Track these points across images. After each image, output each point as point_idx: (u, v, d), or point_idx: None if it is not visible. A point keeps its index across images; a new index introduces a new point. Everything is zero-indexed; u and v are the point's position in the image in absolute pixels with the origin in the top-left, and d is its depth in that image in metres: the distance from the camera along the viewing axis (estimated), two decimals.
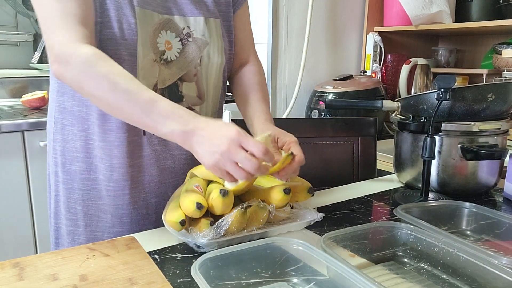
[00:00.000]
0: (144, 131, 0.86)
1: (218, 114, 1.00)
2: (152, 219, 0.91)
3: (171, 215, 0.73)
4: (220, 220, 0.71)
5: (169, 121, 0.70)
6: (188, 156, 0.91)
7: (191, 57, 0.89)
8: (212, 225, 0.72)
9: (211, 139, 0.68)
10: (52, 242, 0.96)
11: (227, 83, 1.04)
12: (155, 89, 0.85)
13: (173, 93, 0.88)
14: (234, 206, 0.74)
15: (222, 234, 0.71)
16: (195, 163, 0.89)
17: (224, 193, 0.71)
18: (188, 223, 0.73)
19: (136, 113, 0.72)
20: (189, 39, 0.88)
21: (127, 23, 0.80)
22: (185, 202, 0.73)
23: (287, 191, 0.77)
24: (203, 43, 0.90)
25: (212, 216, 0.75)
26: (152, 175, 0.89)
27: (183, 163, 0.92)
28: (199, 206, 0.71)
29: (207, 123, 0.71)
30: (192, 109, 0.91)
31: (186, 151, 0.90)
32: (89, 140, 0.86)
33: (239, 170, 0.68)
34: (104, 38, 0.80)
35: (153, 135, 0.87)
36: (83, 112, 0.86)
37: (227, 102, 1.05)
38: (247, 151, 0.68)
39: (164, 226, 0.77)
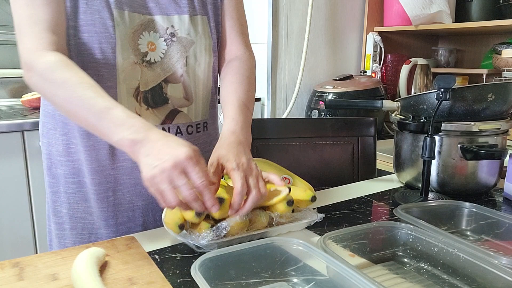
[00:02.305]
0: None
1: (210, 114, 0.97)
2: (138, 222, 0.90)
3: (171, 218, 0.73)
4: (220, 223, 0.71)
5: (120, 128, 0.67)
6: None
7: (176, 58, 0.86)
8: (212, 227, 0.71)
9: (158, 153, 0.64)
10: (48, 244, 0.96)
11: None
12: (137, 91, 0.84)
13: (156, 95, 0.86)
14: None
15: (222, 236, 0.71)
16: None
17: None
18: (188, 224, 0.73)
19: (90, 120, 0.70)
20: (173, 39, 0.86)
21: (104, 26, 0.79)
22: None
23: (290, 203, 0.77)
24: (188, 43, 0.87)
25: (213, 219, 0.75)
26: (138, 178, 0.87)
27: None
28: (198, 214, 0.70)
29: (161, 137, 0.67)
30: (179, 111, 0.89)
31: None
32: (70, 144, 0.86)
33: (171, 195, 0.64)
34: (80, 43, 0.79)
35: None
36: (63, 116, 0.85)
37: None
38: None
39: (162, 226, 0.77)
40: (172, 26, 0.86)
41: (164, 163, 0.63)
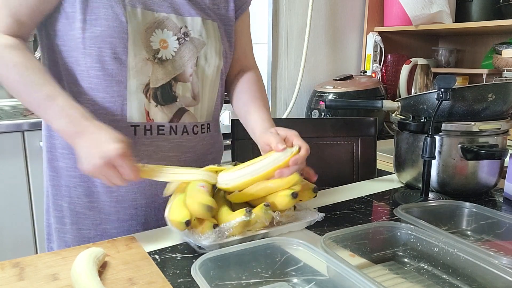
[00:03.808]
0: (135, 131, 0.85)
1: (214, 116, 0.98)
2: (141, 220, 0.90)
3: (176, 215, 0.71)
4: (223, 225, 0.71)
5: (60, 119, 0.74)
6: (181, 158, 0.90)
7: (188, 57, 0.88)
8: (215, 228, 0.71)
9: (91, 148, 0.72)
10: (45, 238, 0.96)
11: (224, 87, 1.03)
12: (147, 88, 0.84)
13: (166, 92, 0.87)
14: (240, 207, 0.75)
15: (225, 237, 0.71)
16: (188, 165, 0.88)
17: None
18: (191, 223, 0.73)
19: (35, 107, 0.77)
20: (186, 38, 0.87)
21: (117, 21, 0.79)
22: (194, 205, 0.71)
23: (294, 195, 0.76)
24: (200, 44, 0.89)
25: (215, 217, 0.75)
26: None
27: (176, 165, 0.90)
28: (209, 209, 0.70)
29: (97, 130, 0.74)
30: (186, 110, 0.90)
31: (179, 152, 0.89)
32: None
33: (109, 182, 0.73)
34: (91, 36, 0.79)
35: (144, 135, 0.86)
36: None
37: (226, 102, 1.04)
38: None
39: (164, 226, 0.76)
40: (186, 26, 0.87)
41: (96, 160, 0.71)
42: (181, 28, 0.86)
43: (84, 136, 0.73)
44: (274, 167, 0.78)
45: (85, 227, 0.89)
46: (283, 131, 0.83)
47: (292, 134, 0.82)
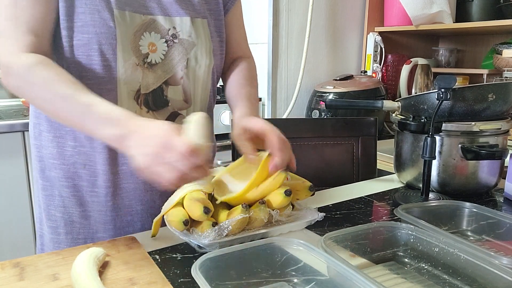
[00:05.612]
0: None
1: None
2: (137, 227, 0.89)
3: (174, 215, 0.72)
4: (222, 223, 0.71)
5: (106, 125, 0.68)
6: None
7: (177, 60, 0.85)
8: (214, 227, 0.71)
9: (143, 141, 0.66)
10: (38, 249, 0.94)
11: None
12: (138, 94, 0.82)
13: (157, 97, 0.84)
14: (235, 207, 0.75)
15: (224, 235, 0.71)
16: None
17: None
18: (190, 223, 0.73)
19: (75, 120, 0.71)
20: (175, 40, 0.84)
21: (105, 27, 0.76)
22: (191, 207, 0.72)
23: (287, 192, 0.76)
24: (189, 45, 0.86)
25: (214, 216, 0.75)
26: (138, 182, 0.86)
27: None
28: (206, 210, 0.70)
29: (142, 125, 0.68)
30: (179, 114, 0.88)
31: None
32: (65, 147, 0.84)
33: (171, 171, 0.64)
34: (77, 44, 0.77)
35: None
36: None
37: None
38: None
39: (165, 226, 0.76)
40: (174, 28, 0.84)
41: (151, 148, 0.64)
42: (169, 29, 0.84)
43: (132, 135, 0.66)
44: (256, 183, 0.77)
45: (80, 237, 0.87)
46: (255, 128, 0.79)
47: (264, 133, 0.77)
